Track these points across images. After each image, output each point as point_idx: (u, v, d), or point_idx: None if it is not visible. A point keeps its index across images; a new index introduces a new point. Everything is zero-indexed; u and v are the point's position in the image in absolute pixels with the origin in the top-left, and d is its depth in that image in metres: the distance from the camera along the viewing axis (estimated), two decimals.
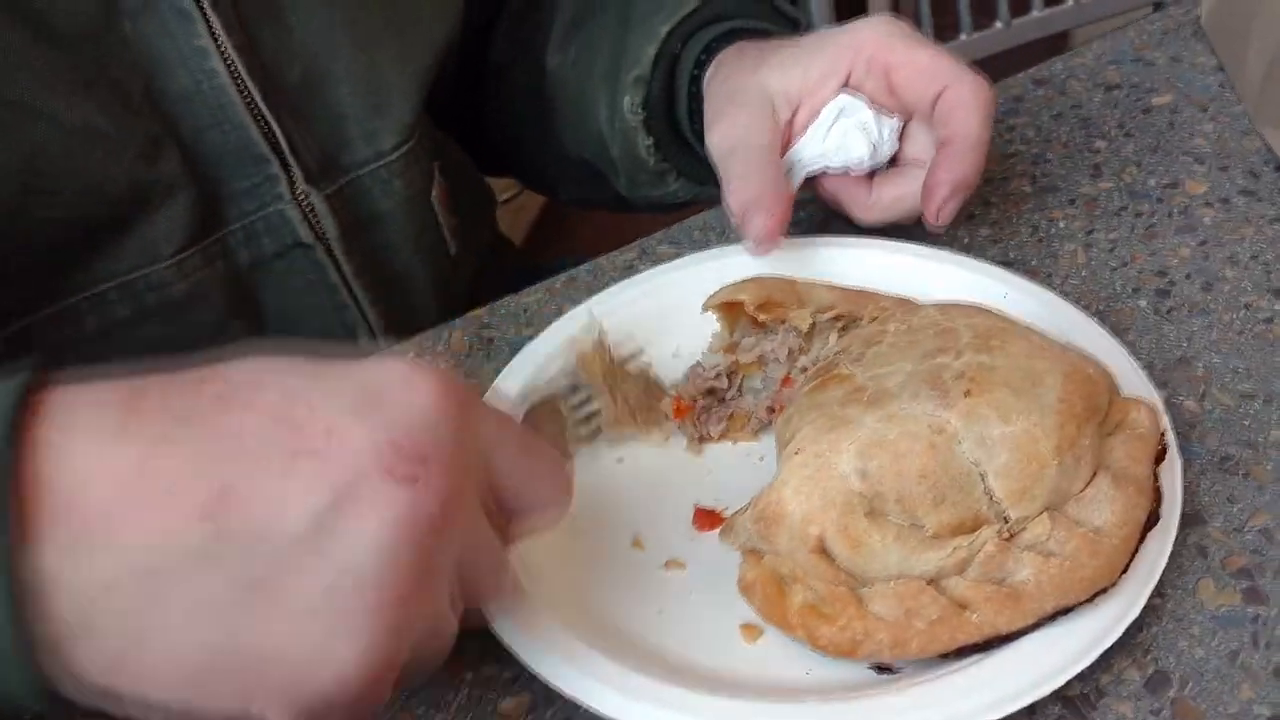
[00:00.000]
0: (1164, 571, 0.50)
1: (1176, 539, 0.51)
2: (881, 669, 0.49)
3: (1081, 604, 0.48)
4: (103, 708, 0.38)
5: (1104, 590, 0.48)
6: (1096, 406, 0.51)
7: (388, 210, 0.77)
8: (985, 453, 0.48)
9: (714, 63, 0.71)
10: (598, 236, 0.86)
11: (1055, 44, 1.55)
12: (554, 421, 0.58)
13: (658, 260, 0.72)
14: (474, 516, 0.42)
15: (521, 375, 0.62)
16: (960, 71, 0.63)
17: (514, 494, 0.45)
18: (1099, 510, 0.49)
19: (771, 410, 0.60)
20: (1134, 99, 0.81)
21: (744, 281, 0.61)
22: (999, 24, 1.55)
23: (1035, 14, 1.56)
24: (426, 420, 0.39)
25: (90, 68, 0.63)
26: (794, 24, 0.78)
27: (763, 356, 0.60)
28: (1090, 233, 0.71)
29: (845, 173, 0.67)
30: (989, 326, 0.53)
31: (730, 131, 0.66)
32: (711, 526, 0.56)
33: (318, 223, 0.73)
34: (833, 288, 0.62)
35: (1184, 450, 0.57)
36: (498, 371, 0.63)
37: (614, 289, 0.68)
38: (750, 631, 0.52)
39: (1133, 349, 0.61)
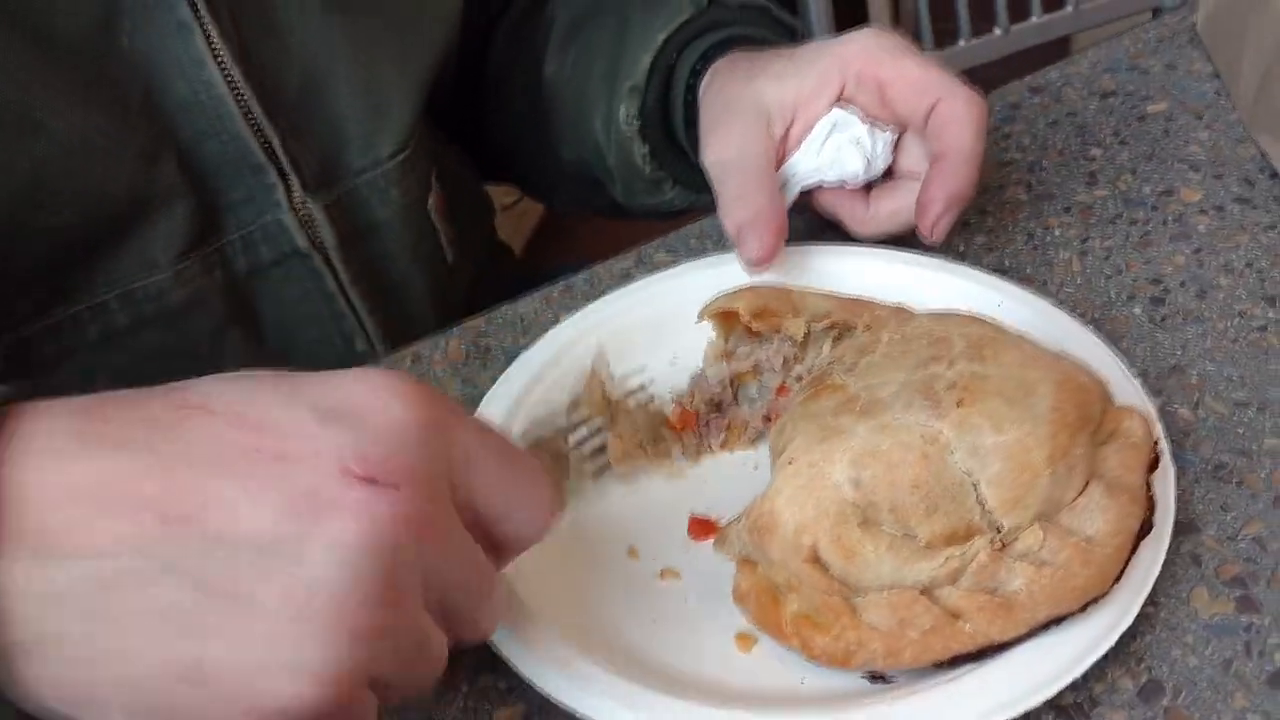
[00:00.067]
0: (1157, 580, 0.50)
1: (1170, 547, 0.51)
2: (875, 678, 0.49)
3: (1074, 613, 0.48)
4: None
5: (1096, 599, 0.48)
6: (1089, 415, 0.51)
7: (385, 219, 0.77)
8: (978, 462, 0.48)
9: (709, 72, 0.72)
10: (599, 243, 0.86)
11: (1055, 50, 1.55)
12: (557, 461, 0.57)
13: (655, 268, 0.72)
14: (448, 529, 0.40)
15: (517, 384, 0.62)
16: (952, 85, 0.63)
17: (495, 506, 0.43)
18: (1091, 519, 0.49)
19: (767, 419, 0.60)
20: (1129, 106, 0.82)
21: (739, 290, 0.62)
22: (998, 30, 1.55)
23: (1034, 20, 1.57)
24: (393, 428, 0.38)
25: (89, 78, 0.63)
26: (791, 32, 0.78)
27: (758, 365, 0.61)
28: (1085, 240, 0.71)
29: (840, 186, 0.67)
30: (982, 336, 0.53)
31: (725, 147, 0.66)
32: (706, 536, 0.56)
33: (315, 232, 0.73)
34: (828, 296, 0.62)
35: (1178, 458, 0.57)
36: (494, 380, 0.63)
37: (611, 297, 0.68)
38: (745, 641, 0.52)
39: (1127, 357, 0.61)
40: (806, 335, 0.60)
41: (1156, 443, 0.53)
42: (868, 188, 0.68)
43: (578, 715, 0.48)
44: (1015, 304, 0.63)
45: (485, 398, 0.62)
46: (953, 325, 0.55)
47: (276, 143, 0.70)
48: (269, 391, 0.39)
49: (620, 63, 0.76)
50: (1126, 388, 0.57)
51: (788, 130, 0.66)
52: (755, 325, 0.60)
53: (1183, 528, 0.54)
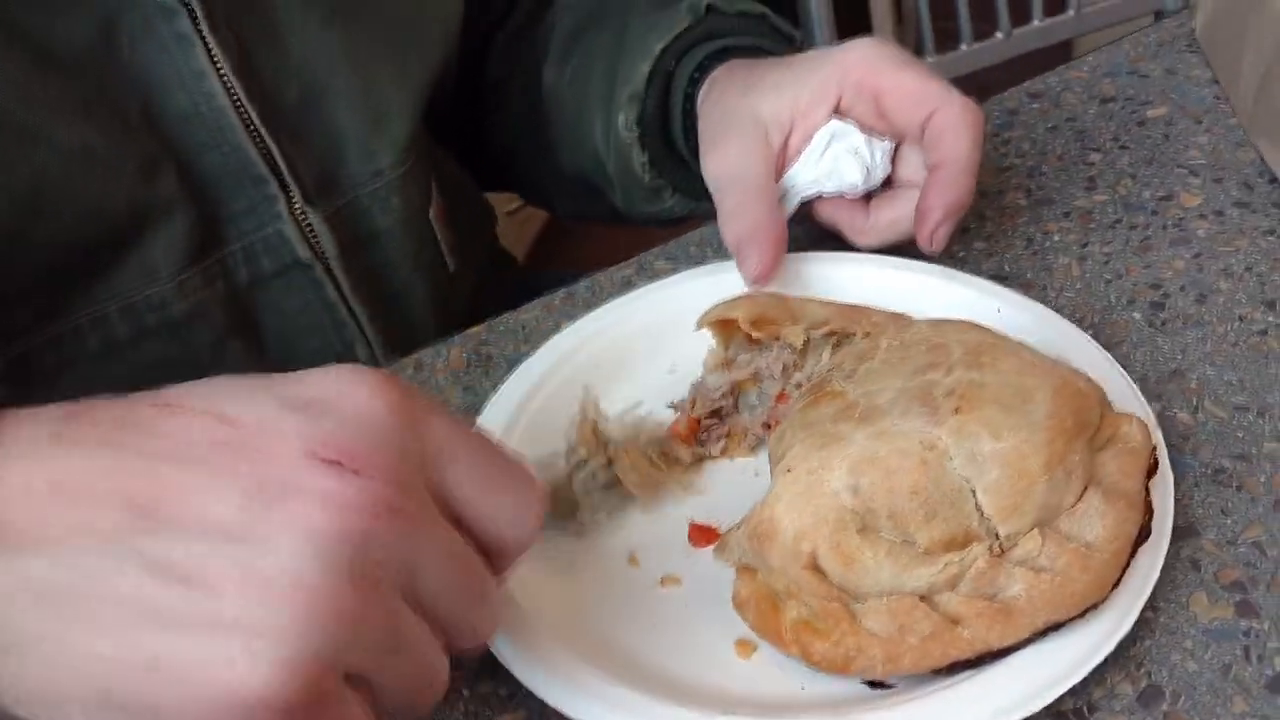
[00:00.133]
0: (1157, 585, 0.50)
1: (1169, 552, 0.51)
2: (875, 685, 0.49)
3: (1073, 619, 0.48)
4: None
5: (1095, 605, 0.48)
6: (1087, 422, 0.51)
7: (386, 228, 0.77)
8: (975, 469, 0.48)
9: (707, 82, 0.72)
10: (602, 248, 0.87)
11: (1057, 54, 1.55)
12: (567, 505, 0.56)
13: (655, 276, 0.72)
14: (423, 518, 0.39)
15: (519, 392, 0.63)
16: (948, 94, 0.63)
17: (476, 503, 0.41)
18: (1090, 525, 0.49)
19: (767, 426, 0.61)
20: (1129, 111, 0.82)
21: (737, 298, 0.62)
22: (999, 34, 1.55)
23: (1036, 24, 1.57)
24: (361, 415, 0.38)
25: (89, 91, 0.63)
26: (789, 40, 0.78)
27: (757, 373, 0.61)
28: (1085, 245, 0.71)
29: (840, 196, 0.67)
30: (980, 343, 0.53)
31: (725, 161, 0.66)
32: (707, 542, 0.56)
33: (316, 242, 0.73)
34: (826, 303, 0.62)
35: (1177, 463, 0.57)
36: (495, 388, 0.64)
37: (611, 305, 0.68)
38: (744, 647, 0.52)
39: (1126, 362, 0.62)
40: (806, 343, 0.60)
41: (1155, 448, 0.53)
42: (867, 197, 0.68)
43: None
44: (1014, 310, 0.63)
45: (486, 405, 0.62)
46: (951, 332, 0.55)
47: (277, 154, 0.70)
48: (241, 389, 0.39)
49: (619, 71, 0.76)
50: (1125, 393, 0.57)
51: (786, 141, 0.66)
52: (754, 333, 0.60)
53: (1182, 532, 0.54)
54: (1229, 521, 0.55)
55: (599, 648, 0.52)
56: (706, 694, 0.50)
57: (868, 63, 0.65)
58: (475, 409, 0.63)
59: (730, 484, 0.60)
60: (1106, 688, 0.49)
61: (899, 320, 0.60)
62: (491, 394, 0.63)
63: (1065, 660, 0.48)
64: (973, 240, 0.72)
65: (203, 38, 0.66)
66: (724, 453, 0.61)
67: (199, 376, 0.69)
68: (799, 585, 0.49)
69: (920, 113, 0.64)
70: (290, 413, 0.37)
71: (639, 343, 0.66)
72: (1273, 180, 0.73)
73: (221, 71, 0.67)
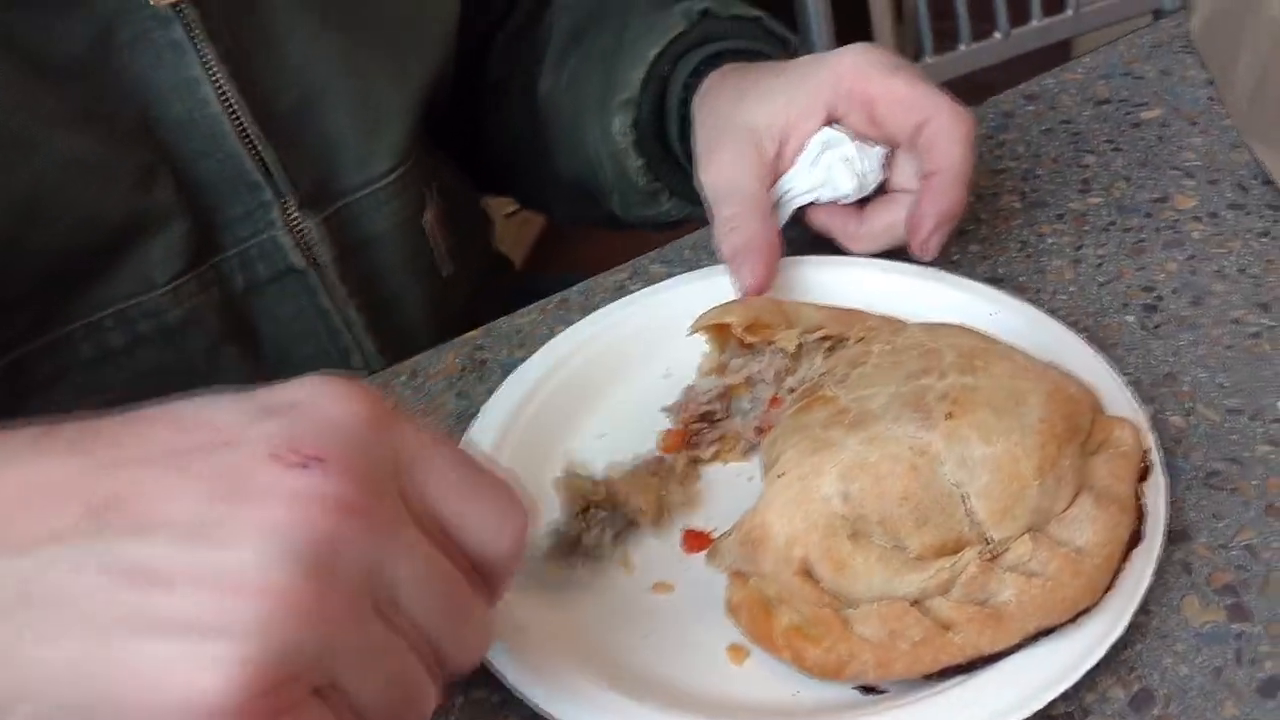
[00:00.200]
0: (1149, 588, 0.50)
1: (1162, 555, 0.51)
2: (867, 690, 0.49)
3: (1065, 624, 0.48)
4: None
5: (1087, 610, 0.48)
6: (1078, 426, 0.51)
7: (381, 234, 0.77)
8: (967, 474, 0.49)
9: (701, 87, 0.72)
10: (602, 250, 0.87)
11: (1056, 53, 1.55)
12: (583, 557, 0.56)
13: (650, 280, 0.72)
14: (396, 525, 0.38)
15: (514, 397, 0.63)
16: (939, 101, 0.63)
17: (454, 515, 0.40)
18: (1081, 530, 0.49)
19: (760, 431, 0.60)
20: (1124, 113, 0.82)
21: (731, 303, 0.62)
22: (998, 34, 1.55)
23: (1034, 23, 1.57)
24: (331, 419, 0.38)
25: (85, 100, 0.64)
26: (784, 43, 0.78)
27: (751, 378, 0.61)
28: (1079, 248, 0.71)
29: (833, 204, 0.68)
30: (972, 347, 0.54)
31: (719, 172, 0.67)
32: (700, 548, 0.56)
33: (311, 248, 0.73)
34: (820, 307, 0.63)
35: (1170, 466, 0.57)
36: (490, 393, 0.64)
37: (606, 309, 0.68)
38: (737, 653, 0.52)
39: (1120, 365, 0.62)
40: (799, 347, 0.60)
41: (1147, 452, 0.53)
42: (861, 203, 0.68)
43: None
44: (1008, 313, 0.63)
45: (481, 410, 0.62)
46: (943, 336, 0.55)
47: (272, 160, 0.70)
48: (214, 399, 0.39)
49: (614, 76, 0.76)
50: (1118, 396, 0.57)
51: (779, 150, 0.67)
52: (748, 338, 0.60)
53: (1175, 535, 0.54)
54: (1221, 525, 0.55)
55: (592, 654, 0.52)
56: (699, 700, 0.50)
57: (859, 70, 0.65)
58: (470, 414, 0.63)
59: (724, 489, 0.60)
60: (1098, 692, 0.49)
61: (892, 324, 0.60)
62: (486, 399, 0.63)
63: (1057, 665, 0.48)
64: (967, 243, 0.72)
65: (197, 45, 0.66)
66: (717, 457, 0.61)
67: (194, 383, 0.69)
68: (791, 591, 0.49)
69: (911, 120, 0.64)
70: (259, 418, 0.37)
71: (634, 347, 0.66)
72: (1267, 182, 0.73)
73: (215, 79, 0.67)
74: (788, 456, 0.51)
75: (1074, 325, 0.64)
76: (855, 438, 0.50)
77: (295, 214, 0.72)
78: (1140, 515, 0.51)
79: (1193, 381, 0.62)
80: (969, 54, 1.55)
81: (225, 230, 0.71)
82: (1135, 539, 0.51)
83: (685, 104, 0.73)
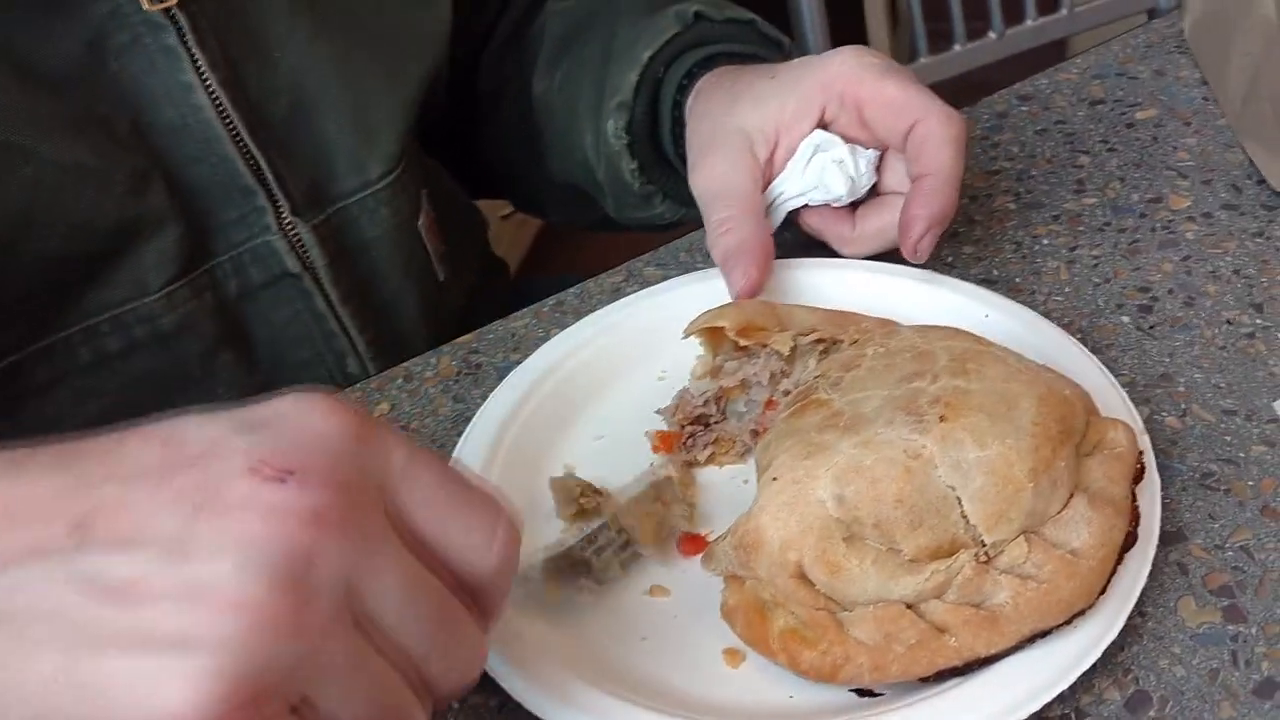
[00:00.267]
0: (1145, 590, 0.50)
1: (1157, 557, 0.51)
2: (863, 693, 0.49)
3: (1060, 626, 0.48)
4: None
5: (1082, 612, 0.48)
6: (1073, 428, 0.51)
7: (375, 238, 0.77)
8: (961, 477, 0.48)
9: (694, 91, 0.72)
10: (599, 251, 0.87)
11: (1051, 52, 1.56)
12: (586, 571, 0.55)
13: (645, 282, 0.73)
14: (379, 541, 0.38)
15: (509, 401, 0.63)
16: (929, 104, 0.63)
17: (436, 532, 0.40)
18: (1076, 532, 0.49)
19: (756, 433, 0.61)
20: (1118, 113, 0.82)
21: (725, 306, 0.62)
22: (992, 34, 1.55)
23: (1029, 23, 1.57)
24: (312, 436, 0.37)
25: (78, 107, 0.64)
26: (778, 46, 0.78)
27: (745, 380, 0.61)
28: (1074, 249, 0.71)
29: (825, 206, 0.68)
30: (966, 350, 0.53)
31: (711, 176, 0.67)
32: (696, 551, 0.56)
33: (305, 253, 0.73)
34: (814, 310, 0.63)
35: (1165, 467, 0.57)
36: (485, 397, 0.64)
37: (600, 312, 0.68)
38: (733, 656, 0.52)
39: (1114, 366, 0.62)
40: (793, 350, 0.60)
41: (1141, 454, 0.53)
42: (853, 206, 0.68)
43: None
44: (1002, 315, 0.63)
45: (477, 414, 0.62)
46: (937, 339, 0.55)
47: (265, 166, 0.70)
48: (197, 416, 0.38)
49: (607, 79, 0.76)
50: (1112, 398, 0.57)
51: (771, 153, 0.67)
52: (742, 341, 0.60)
53: (1170, 537, 0.54)
54: (1217, 526, 0.55)
55: (588, 658, 0.52)
56: (695, 703, 0.50)
57: (850, 73, 0.65)
58: (465, 418, 0.63)
59: (719, 492, 0.60)
60: (1094, 694, 0.49)
61: (886, 327, 0.60)
62: (482, 403, 0.63)
63: (1052, 667, 0.48)
64: (961, 245, 0.72)
65: (190, 51, 0.66)
66: (712, 460, 0.61)
67: (190, 388, 0.69)
68: (786, 594, 0.49)
69: (902, 123, 0.64)
70: (240, 433, 0.37)
71: (629, 350, 0.66)
72: (1261, 182, 0.73)
73: (208, 84, 0.67)
74: (781, 460, 0.51)
75: (1069, 327, 0.64)
76: (849, 441, 0.50)
77: (289, 219, 0.72)
78: (1135, 517, 0.51)
79: (1188, 382, 0.62)
80: (964, 54, 1.54)
81: (219, 235, 0.71)
82: (1130, 540, 0.51)
83: (679, 107, 0.73)
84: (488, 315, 0.74)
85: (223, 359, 0.72)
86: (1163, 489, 0.54)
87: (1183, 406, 0.61)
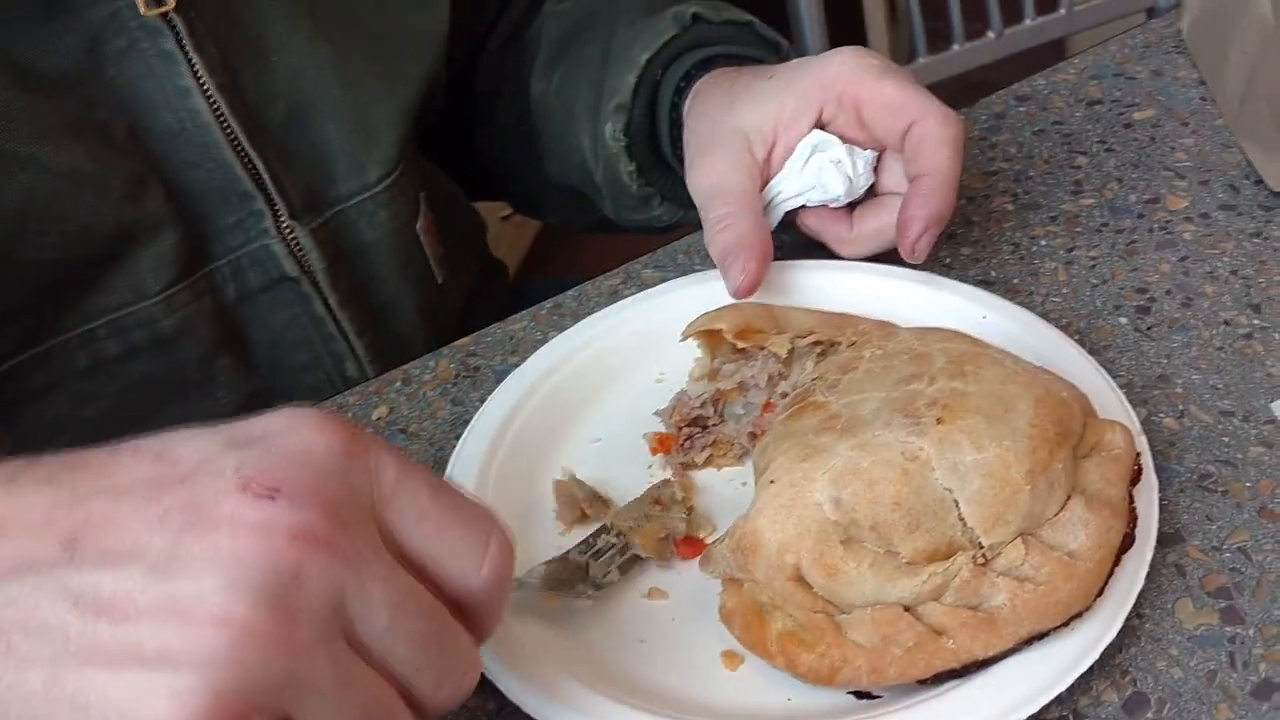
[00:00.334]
0: (1142, 591, 0.50)
1: (1155, 558, 0.51)
2: (861, 695, 0.50)
3: (1057, 628, 0.48)
4: None
5: (1079, 614, 0.48)
6: (1070, 430, 0.51)
7: (373, 242, 0.77)
8: (958, 479, 0.49)
9: (691, 93, 0.72)
10: (599, 251, 0.87)
11: (1050, 52, 1.56)
12: (581, 581, 0.55)
13: (643, 285, 0.73)
14: (368, 558, 0.38)
15: (506, 404, 0.63)
16: (927, 104, 0.63)
17: (427, 547, 0.40)
18: (1073, 534, 0.49)
19: (754, 436, 0.61)
20: (1116, 114, 0.82)
21: (722, 309, 0.62)
22: (991, 34, 1.55)
23: (1028, 23, 1.57)
24: (303, 453, 0.38)
25: (76, 112, 0.64)
26: (776, 48, 0.78)
27: (743, 383, 0.61)
28: (1071, 250, 0.71)
29: (823, 207, 0.68)
30: (963, 352, 0.54)
31: (709, 175, 0.67)
32: (694, 554, 0.56)
33: (303, 256, 0.73)
34: (811, 312, 0.63)
35: (1163, 469, 0.57)
36: (483, 399, 0.64)
37: (598, 315, 0.68)
38: (731, 659, 0.52)
39: (1112, 367, 0.62)
40: (791, 352, 0.60)
41: (1138, 455, 0.53)
42: (850, 207, 0.68)
43: None
44: (1000, 316, 0.63)
45: (475, 417, 0.62)
46: (934, 341, 0.55)
47: (263, 170, 0.70)
48: (191, 432, 0.39)
49: (605, 81, 0.76)
50: (1110, 399, 0.57)
51: (769, 153, 0.67)
52: (739, 343, 0.60)
53: (1167, 538, 0.54)
54: (1214, 527, 0.55)
55: (586, 660, 0.52)
56: (693, 706, 0.50)
57: (848, 73, 0.65)
58: (463, 421, 0.63)
59: (718, 494, 0.60)
60: (1092, 696, 0.49)
61: (884, 329, 0.60)
62: (480, 406, 0.63)
63: (1050, 669, 0.48)
64: (959, 246, 0.72)
65: (187, 55, 0.66)
66: (709, 462, 0.61)
67: (188, 392, 0.69)
68: (784, 597, 0.49)
69: (899, 123, 0.64)
70: (231, 449, 0.37)
71: (627, 352, 0.67)
72: (1258, 182, 0.73)
73: (206, 89, 0.67)
74: (779, 463, 0.51)
75: (1066, 328, 0.64)
76: (846, 444, 0.50)
77: (287, 223, 0.72)
78: (1132, 519, 0.51)
79: (1185, 383, 0.62)
80: (962, 54, 1.55)
81: (216, 239, 0.71)
82: (1128, 542, 0.51)
83: (676, 109, 0.73)
84: (486, 318, 0.74)
85: (221, 363, 0.72)
86: (1160, 490, 0.54)
87: (1180, 408, 0.61)
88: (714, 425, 0.61)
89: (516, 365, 0.66)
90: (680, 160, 0.72)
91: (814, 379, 0.56)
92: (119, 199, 0.65)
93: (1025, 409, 0.50)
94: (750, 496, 0.52)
